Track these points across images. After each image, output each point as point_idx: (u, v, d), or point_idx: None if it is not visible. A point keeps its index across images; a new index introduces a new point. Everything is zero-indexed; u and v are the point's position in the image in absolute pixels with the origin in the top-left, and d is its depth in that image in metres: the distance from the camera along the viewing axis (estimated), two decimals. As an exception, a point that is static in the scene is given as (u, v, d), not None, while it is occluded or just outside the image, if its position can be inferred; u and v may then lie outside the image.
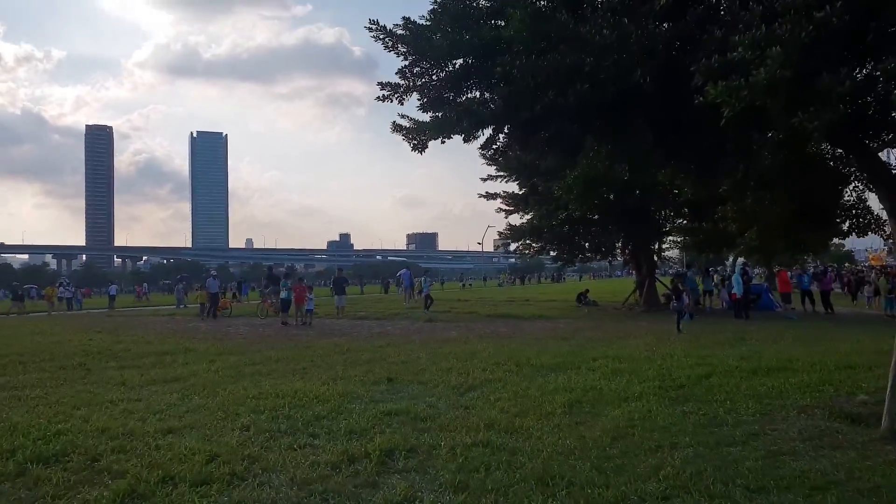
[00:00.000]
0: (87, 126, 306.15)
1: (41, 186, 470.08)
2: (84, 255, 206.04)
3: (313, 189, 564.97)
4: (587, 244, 26.55)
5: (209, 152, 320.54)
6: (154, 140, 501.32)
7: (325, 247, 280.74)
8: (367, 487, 4.48)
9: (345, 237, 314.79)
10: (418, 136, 10.73)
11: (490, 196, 26.80)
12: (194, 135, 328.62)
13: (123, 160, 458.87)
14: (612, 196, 20.88)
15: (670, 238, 27.14)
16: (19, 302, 30.30)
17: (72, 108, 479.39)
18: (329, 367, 10.09)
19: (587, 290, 26.90)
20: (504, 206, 26.84)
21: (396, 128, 11.26)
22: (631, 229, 24.15)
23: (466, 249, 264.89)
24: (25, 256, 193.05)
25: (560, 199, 20.27)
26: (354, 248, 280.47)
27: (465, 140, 10.48)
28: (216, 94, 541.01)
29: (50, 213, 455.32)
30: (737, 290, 19.10)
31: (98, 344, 14.05)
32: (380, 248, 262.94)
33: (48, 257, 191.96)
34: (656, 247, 25.67)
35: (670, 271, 32.69)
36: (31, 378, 9.52)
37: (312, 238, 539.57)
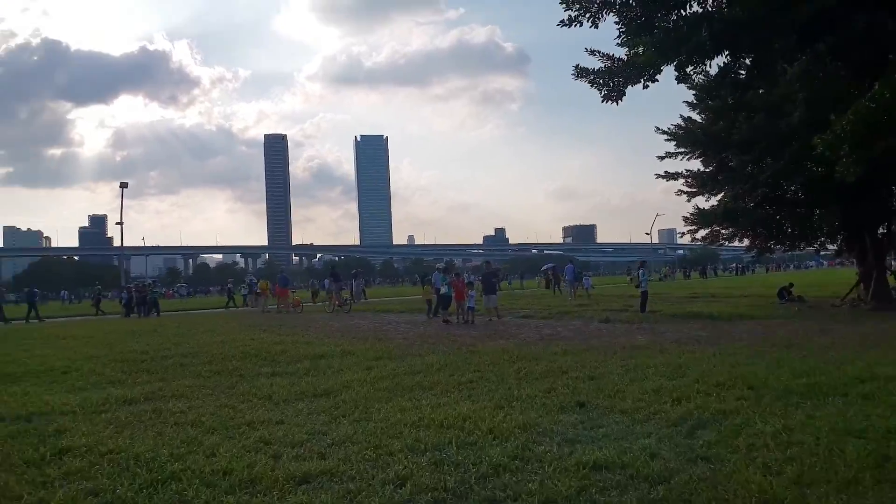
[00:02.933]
0: (265, 136, 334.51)
1: (231, 193, 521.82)
2: (267, 254, 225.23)
3: (469, 185, 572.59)
4: (791, 229, 22.49)
5: (372, 155, 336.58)
6: (324, 146, 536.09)
7: (481, 241, 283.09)
8: None
9: (500, 231, 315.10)
10: (614, 78, 8.52)
11: (670, 176, 23.61)
12: (358, 139, 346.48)
13: (298, 166, 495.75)
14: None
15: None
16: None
17: (254, 121, 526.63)
18: (500, 381, 8.33)
19: (791, 285, 22.86)
20: (686, 188, 23.54)
21: (581, 73, 9.14)
22: (852, 208, 19.82)
23: (627, 241, 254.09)
24: (220, 256, 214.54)
25: (758, 176, 16.86)
26: (510, 241, 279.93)
27: (681, 78, 8.07)
28: (377, 99, 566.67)
29: (238, 217, 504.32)
30: None
31: (258, 345, 13.50)
32: (535, 241, 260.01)
33: (237, 256, 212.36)
34: (886, 229, 20.96)
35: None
36: (182, 385, 8.75)
37: (469, 233, 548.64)
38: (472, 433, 5.68)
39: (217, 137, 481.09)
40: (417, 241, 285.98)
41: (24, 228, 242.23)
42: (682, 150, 22.68)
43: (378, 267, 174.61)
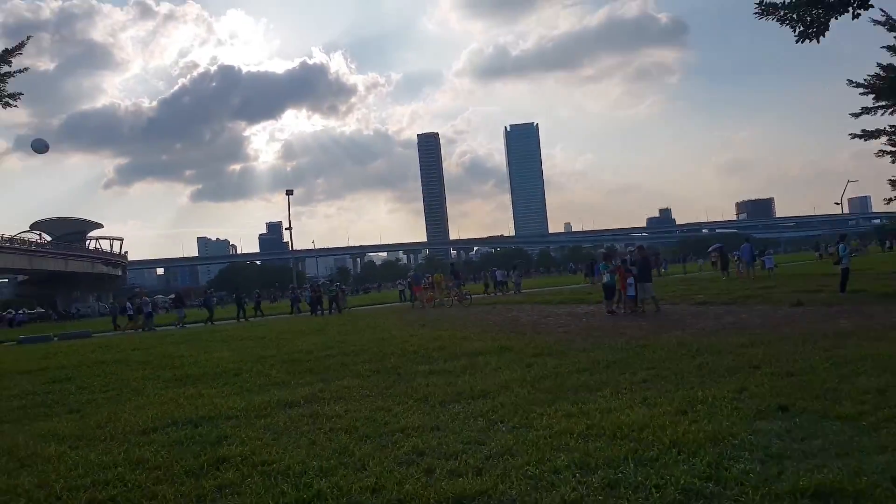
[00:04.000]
0: (418, 136, 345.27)
1: (391, 193, 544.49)
2: (427, 250, 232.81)
3: (627, 167, 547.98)
4: None
5: (523, 143, 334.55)
6: (475, 140, 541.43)
7: (644, 224, 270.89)
8: None
9: (665, 212, 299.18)
10: (813, 9, 7.12)
11: (868, 135, 20.33)
12: (508, 129, 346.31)
13: (451, 162, 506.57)
14: None
15: None
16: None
17: (408, 122, 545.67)
18: (679, 380, 7.30)
19: None
20: (890, 147, 20.17)
21: (767, 9, 7.76)
22: None
23: (811, 214, 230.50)
24: (384, 254, 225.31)
25: None
26: (676, 222, 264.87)
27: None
28: (525, 88, 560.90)
29: (399, 216, 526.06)
30: None
31: (417, 341, 13.37)
32: (705, 220, 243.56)
33: (400, 253, 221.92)
34: None
35: None
36: (341, 386, 8.67)
37: (631, 216, 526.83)
38: (652, 446, 4.82)
39: (375, 141, 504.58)
40: (574, 229, 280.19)
41: (214, 238, 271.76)
42: (883, 103, 19.42)
43: (535, 257, 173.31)
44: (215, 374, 10.68)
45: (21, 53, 9.32)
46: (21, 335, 28.56)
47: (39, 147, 28.56)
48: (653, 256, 29.61)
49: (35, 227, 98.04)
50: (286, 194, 61.32)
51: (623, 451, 4.73)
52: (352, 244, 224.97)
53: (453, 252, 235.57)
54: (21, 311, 58.88)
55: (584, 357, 9.44)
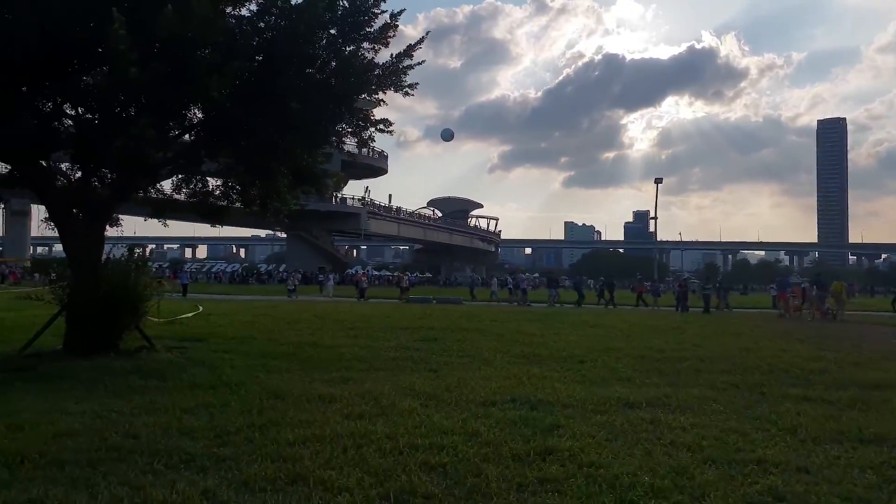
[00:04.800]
0: (818, 122, 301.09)
1: (777, 187, 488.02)
2: (815, 252, 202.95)
3: None
4: None
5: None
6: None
7: None
8: None
9: None
10: None
11: None
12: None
13: (860, 153, 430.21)
14: None
15: None
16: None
17: (807, 107, 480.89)
18: None
19: None
20: None
21: None
22: None
23: None
24: (761, 253, 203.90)
25: None
26: None
27: None
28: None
29: (784, 212, 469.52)
30: None
31: (789, 358, 11.27)
32: None
33: (781, 254, 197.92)
34: None
35: None
36: (690, 395, 7.68)
37: None
38: None
39: (763, 129, 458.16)
40: None
41: (580, 224, 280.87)
42: None
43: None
44: (561, 357, 10.69)
45: (421, 47, 10.42)
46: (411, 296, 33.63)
47: (447, 136, 33.03)
48: None
49: (430, 204, 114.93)
50: (654, 183, 59.80)
51: None
52: (724, 239, 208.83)
53: (852, 258, 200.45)
54: (414, 275, 70.47)
55: None
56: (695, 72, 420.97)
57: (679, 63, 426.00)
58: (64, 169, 10.95)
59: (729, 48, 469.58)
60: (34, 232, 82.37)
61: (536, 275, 78.24)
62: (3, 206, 69.25)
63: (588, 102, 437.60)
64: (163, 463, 4.64)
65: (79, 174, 10.49)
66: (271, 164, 10.84)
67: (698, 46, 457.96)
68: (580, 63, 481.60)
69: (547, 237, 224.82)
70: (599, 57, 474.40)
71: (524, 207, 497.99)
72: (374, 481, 4.37)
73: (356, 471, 4.55)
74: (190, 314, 16.84)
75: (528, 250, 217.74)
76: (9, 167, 10.69)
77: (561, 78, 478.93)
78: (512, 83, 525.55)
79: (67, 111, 10.15)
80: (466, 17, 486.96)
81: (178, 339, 11.93)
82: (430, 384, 7.88)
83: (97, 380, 7.58)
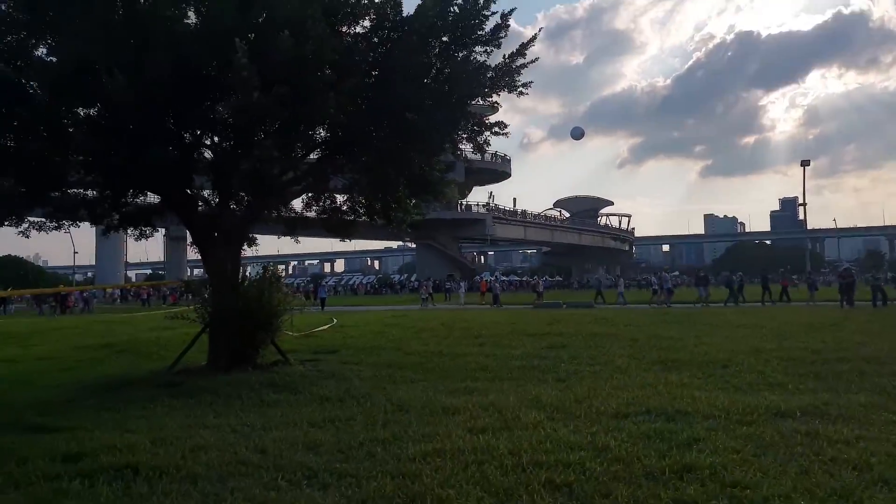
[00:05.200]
0: None
1: None
2: None
3: None
4: None
5: None
6: None
7: None
8: None
9: None
10: None
11: None
12: None
13: None
14: None
15: None
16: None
17: None
18: None
19: None
20: None
21: None
22: None
23: None
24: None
25: None
26: None
27: None
28: None
29: None
30: None
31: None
32: None
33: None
34: None
35: None
36: (855, 402, 6.78)
37: None
38: None
39: None
40: None
41: (721, 215, 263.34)
42: None
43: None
44: (702, 362, 9.88)
45: (533, 45, 10.15)
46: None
47: (577, 134, 32.29)
48: None
49: (557, 204, 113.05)
50: (801, 165, 54.77)
51: None
52: (887, 223, 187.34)
53: None
54: (545, 278, 69.11)
55: None
56: (844, 40, 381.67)
57: (824, 32, 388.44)
58: (205, 195, 11.77)
59: (884, 9, 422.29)
60: (189, 255, 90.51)
61: (676, 272, 74.35)
62: (165, 232, 76.32)
63: (722, 86, 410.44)
64: (286, 479, 4.70)
65: (217, 199, 11.22)
66: (390, 174, 11.01)
67: (846, 11, 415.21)
68: (711, 45, 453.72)
69: (685, 232, 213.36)
70: (732, 36, 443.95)
71: (659, 202, 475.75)
72: (494, 501, 4.16)
73: (476, 489, 4.36)
74: (325, 326, 17.54)
75: (666, 247, 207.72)
76: (159, 196, 11.66)
77: (690, 63, 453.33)
78: (638, 73, 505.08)
79: (205, 141, 10.90)
80: (587, 11, 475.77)
81: (311, 351, 12.42)
82: (557, 395, 7.53)
83: (234, 394, 7.99)
